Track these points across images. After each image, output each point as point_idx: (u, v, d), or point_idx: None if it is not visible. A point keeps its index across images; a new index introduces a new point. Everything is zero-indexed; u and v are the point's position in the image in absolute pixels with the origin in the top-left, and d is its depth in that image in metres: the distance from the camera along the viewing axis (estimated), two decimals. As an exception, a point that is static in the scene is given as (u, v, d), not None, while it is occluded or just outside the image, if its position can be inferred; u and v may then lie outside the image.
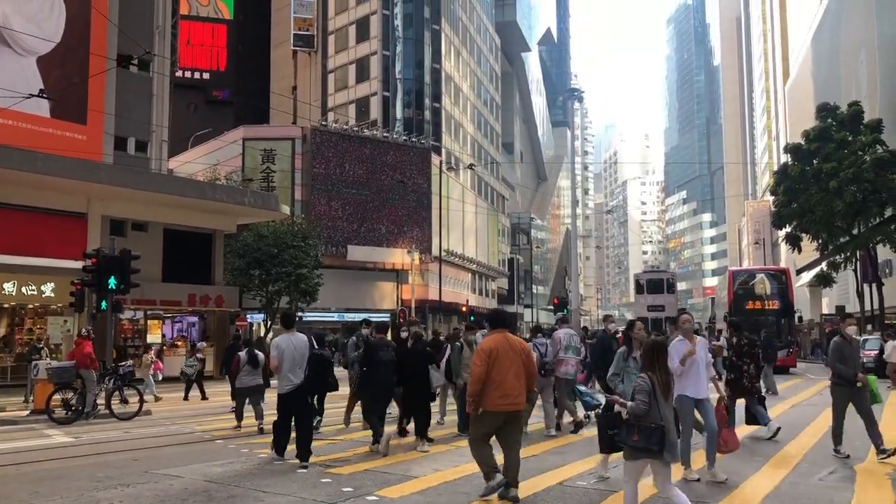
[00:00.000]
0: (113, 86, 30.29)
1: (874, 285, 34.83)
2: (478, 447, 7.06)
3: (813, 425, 12.20)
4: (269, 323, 36.07)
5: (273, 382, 10.67)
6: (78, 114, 29.42)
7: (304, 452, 9.05)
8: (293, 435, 9.26)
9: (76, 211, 24.94)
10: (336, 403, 13.82)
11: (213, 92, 68.74)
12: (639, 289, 41.45)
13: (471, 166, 61.59)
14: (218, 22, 69.76)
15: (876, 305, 34.73)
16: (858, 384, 8.96)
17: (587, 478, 8.08)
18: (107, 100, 30.06)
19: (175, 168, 41.62)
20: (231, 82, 69.51)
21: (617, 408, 6.14)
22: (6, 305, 24.85)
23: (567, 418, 11.92)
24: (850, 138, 34.21)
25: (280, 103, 60.67)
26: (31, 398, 16.26)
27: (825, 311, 53.73)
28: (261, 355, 12.84)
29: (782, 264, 57.33)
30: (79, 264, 18.91)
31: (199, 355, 21.25)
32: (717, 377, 8.75)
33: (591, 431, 10.79)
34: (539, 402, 11.55)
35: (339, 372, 12.88)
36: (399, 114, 59.78)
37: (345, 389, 13.26)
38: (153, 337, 28.98)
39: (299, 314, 35.82)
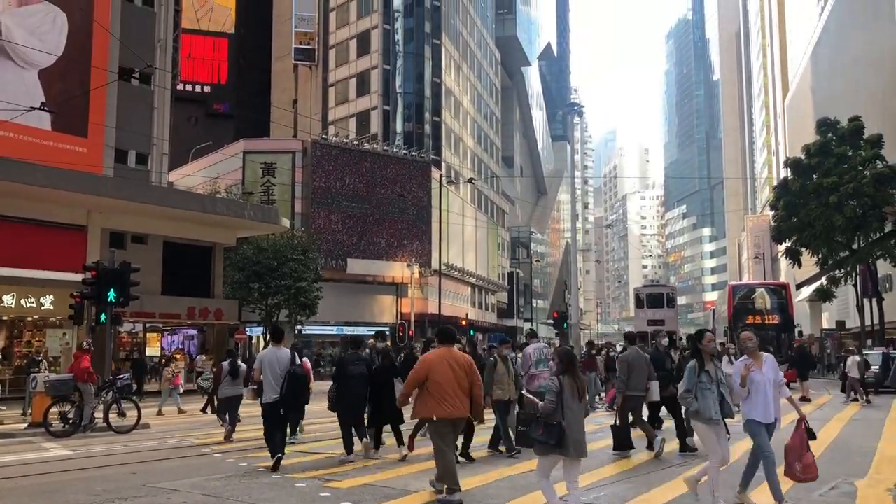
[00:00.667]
0: (114, 99, 30.42)
1: (874, 300, 34.82)
2: (443, 456, 7.61)
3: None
4: (268, 336, 35.98)
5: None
6: (79, 126, 29.50)
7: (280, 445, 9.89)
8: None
9: (76, 223, 24.97)
10: (332, 417, 13.71)
11: (213, 105, 68.86)
12: (639, 303, 41.48)
13: (471, 180, 61.63)
14: (219, 36, 70.05)
15: (876, 320, 34.70)
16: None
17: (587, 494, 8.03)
18: (108, 113, 30.18)
19: (175, 181, 41.67)
20: (232, 95, 69.69)
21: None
22: (5, 318, 24.81)
23: None
24: (850, 153, 34.28)
25: (281, 116, 60.80)
26: (30, 411, 16.22)
27: (825, 325, 53.66)
28: (243, 366, 13.45)
29: (782, 279, 57.22)
30: (78, 277, 18.91)
31: (198, 369, 21.20)
32: (791, 397, 7.96)
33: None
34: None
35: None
36: (399, 127, 59.90)
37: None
38: (152, 350, 28.90)
39: (298, 327, 35.91)
